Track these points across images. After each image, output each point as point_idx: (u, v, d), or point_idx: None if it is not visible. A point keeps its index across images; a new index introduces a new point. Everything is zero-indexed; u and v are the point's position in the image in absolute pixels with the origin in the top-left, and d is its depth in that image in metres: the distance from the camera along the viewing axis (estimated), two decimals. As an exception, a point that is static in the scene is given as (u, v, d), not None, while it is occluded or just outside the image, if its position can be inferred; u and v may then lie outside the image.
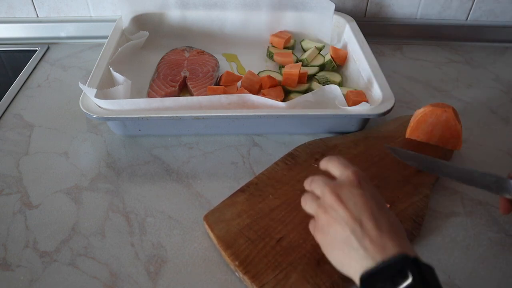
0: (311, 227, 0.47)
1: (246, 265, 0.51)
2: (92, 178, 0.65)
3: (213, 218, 0.57)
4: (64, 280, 0.51)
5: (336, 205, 0.43)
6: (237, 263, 0.51)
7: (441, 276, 0.52)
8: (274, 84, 0.79)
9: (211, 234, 0.55)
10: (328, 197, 0.44)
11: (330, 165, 0.48)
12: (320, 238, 0.45)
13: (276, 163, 0.65)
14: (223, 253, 0.53)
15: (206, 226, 0.56)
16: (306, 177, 0.62)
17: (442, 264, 0.54)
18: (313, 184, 0.48)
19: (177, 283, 0.51)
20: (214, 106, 0.67)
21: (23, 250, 0.55)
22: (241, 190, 0.61)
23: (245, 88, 0.77)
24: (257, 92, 0.78)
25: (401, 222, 0.56)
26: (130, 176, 0.65)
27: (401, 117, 0.75)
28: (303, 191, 0.56)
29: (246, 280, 0.50)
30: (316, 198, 0.46)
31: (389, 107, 0.67)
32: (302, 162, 0.65)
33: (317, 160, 0.65)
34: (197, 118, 0.65)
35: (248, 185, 0.62)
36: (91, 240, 0.56)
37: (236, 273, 0.52)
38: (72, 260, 0.54)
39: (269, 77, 0.78)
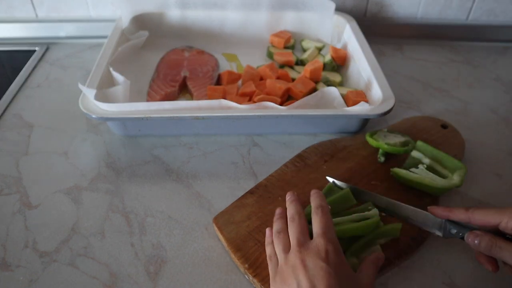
0: (271, 264, 0.48)
1: (256, 267, 0.51)
2: (91, 178, 0.64)
3: (222, 220, 0.56)
4: (63, 281, 0.51)
5: (298, 268, 0.43)
6: (246, 266, 0.51)
7: (441, 276, 0.53)
8: (276, 72, 0.79)
9: (221, 236, 0.55)
10: (293, 258, 0.44)
11: (314, 218, 0.47)
12: (272, 284, 0.46)
13: (285, 165, 0.65)
14: (232, 255, 0.53)
15: (216, 228, 0.56)
16: (315, 179, 0.62)
17: (442, 264, 0.54)
18: (291, 227, 0.48)
19: (177, 283, 0.51)
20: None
21: (23, 250, 0.55)
22: (250, 192, 0.60)
23: (246, 82, 0.77)
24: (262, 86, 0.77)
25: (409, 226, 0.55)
26: (130, 176, 0.65)
27: (409, 118, 0.74)
28: None
29: (256, 283, 0.50)
30: (286, 245, 0.47)
31: (389, 107, 0.66)
32: (311, 163, 0.65)
33: (326, 162, 0.65)
34: (197, 118, 0.65)
35: (257, 187, 0.61)
36: (91, 240, 0.56)
37: (246, 276, 0.52)
38: (72, 260, 0.53)
39: (269, 66, 0.79)
